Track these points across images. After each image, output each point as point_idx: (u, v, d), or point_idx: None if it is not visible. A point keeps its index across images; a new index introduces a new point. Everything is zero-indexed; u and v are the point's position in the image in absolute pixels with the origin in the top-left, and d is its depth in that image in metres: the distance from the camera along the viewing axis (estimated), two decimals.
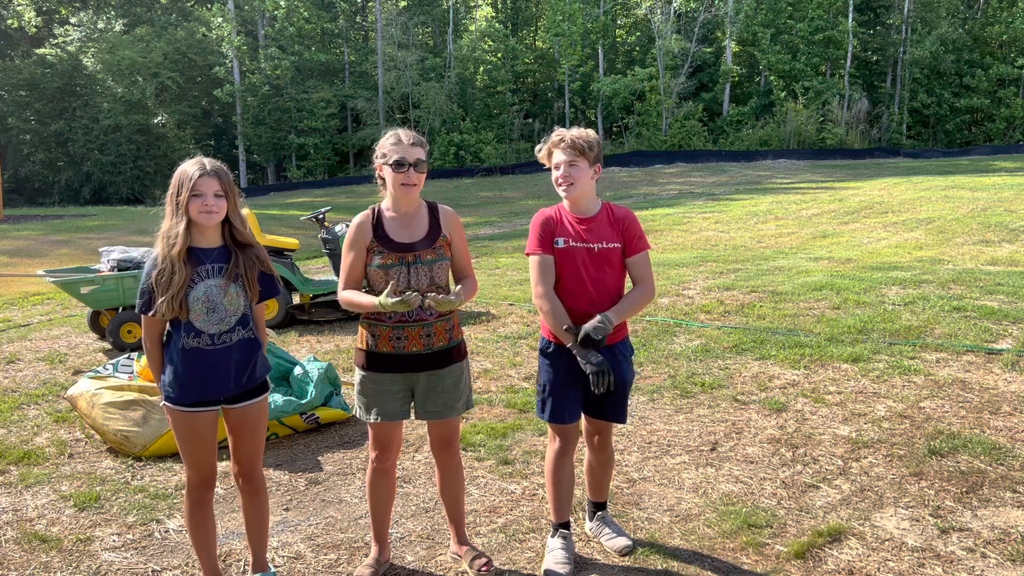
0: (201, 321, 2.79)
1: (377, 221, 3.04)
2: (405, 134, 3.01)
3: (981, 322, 6.20)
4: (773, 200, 17.48)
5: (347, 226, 8.15)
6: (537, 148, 3.24)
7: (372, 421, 3.09)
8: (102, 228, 16.86)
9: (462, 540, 3.33)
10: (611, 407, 3.25)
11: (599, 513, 3.50)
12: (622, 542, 3.35)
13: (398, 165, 2.95)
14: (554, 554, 3.24)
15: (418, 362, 3.04)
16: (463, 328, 3.34)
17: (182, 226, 2.74)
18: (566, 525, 3.32)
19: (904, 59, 36.47)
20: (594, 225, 3.16)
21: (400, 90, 36.04)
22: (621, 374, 3.18)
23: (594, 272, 3.13)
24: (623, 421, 3.29)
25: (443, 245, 3.06)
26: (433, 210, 3.11)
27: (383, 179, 3.04)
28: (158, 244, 2.79)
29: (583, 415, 3.30)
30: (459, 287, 3.05)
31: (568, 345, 3.07)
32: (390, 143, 2.99)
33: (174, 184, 2.77)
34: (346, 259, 3.06)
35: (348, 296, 3.03)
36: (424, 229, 3.06)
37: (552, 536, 3.32)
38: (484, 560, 3.20)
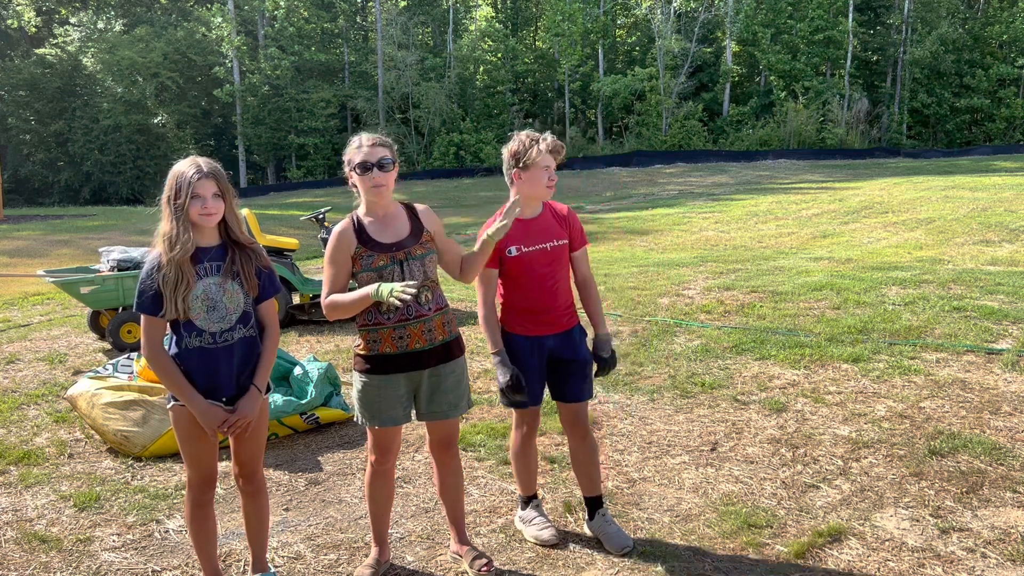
0: (202, 320, 2.78)
1: (359, 227, 3.03)
2: (367, 137, 3.01)
3: (981, 322, 6.20)
4: (773, 200, 17.48)
5: None
6: (522, 146, 3.29)
7: (376, 427, 3.09)
8: (102, 228, 16.86)
9: (462, 540, 3.33)
10: (574, 387, 3.39)
11: (599, 511, 3.49)
12: (622, 542, 3.36)
13: (363, 168, 2.95)
14: (535, 523, 3.45)
15: (421, 359, 3.05)
16: (460, 327, 3.38)
17: (186, 230, 2.73)
18: (535, 496, 3.54)
19: (904, 59, 36.47)
20: (541, 225, 3.33)
21: (400, 90, 36.04)
22: (581, 354, 3.39)
23: (549, 271, 3.31)
24: (589, 396, 3.44)
25: (428, 240, 3.09)
26: (410, 209, 3.14)
27: (355, 186, 3.04)
28: (158, 245, 2.77)
29: (557, 403, 3.47)
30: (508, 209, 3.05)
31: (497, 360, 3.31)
32: (353, 147, 3.00)
33: (171, 187, 2.73)
34: (329, 270, 3.02)
35: (336, 299, 2.98)
36: (407, 227, 3.08)
37: (523, 509, 3.52)
38: (484, 560, 3.20)
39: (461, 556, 3.28)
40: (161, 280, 2.73)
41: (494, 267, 3.30)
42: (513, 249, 3.26)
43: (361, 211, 3.07)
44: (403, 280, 2.99)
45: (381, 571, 3.24)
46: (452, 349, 3.14)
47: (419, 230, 3.08)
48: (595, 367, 3.43)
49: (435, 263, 3.12)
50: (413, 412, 3.18)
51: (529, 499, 3.54)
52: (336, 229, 3.04)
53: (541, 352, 3.36)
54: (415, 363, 3.05)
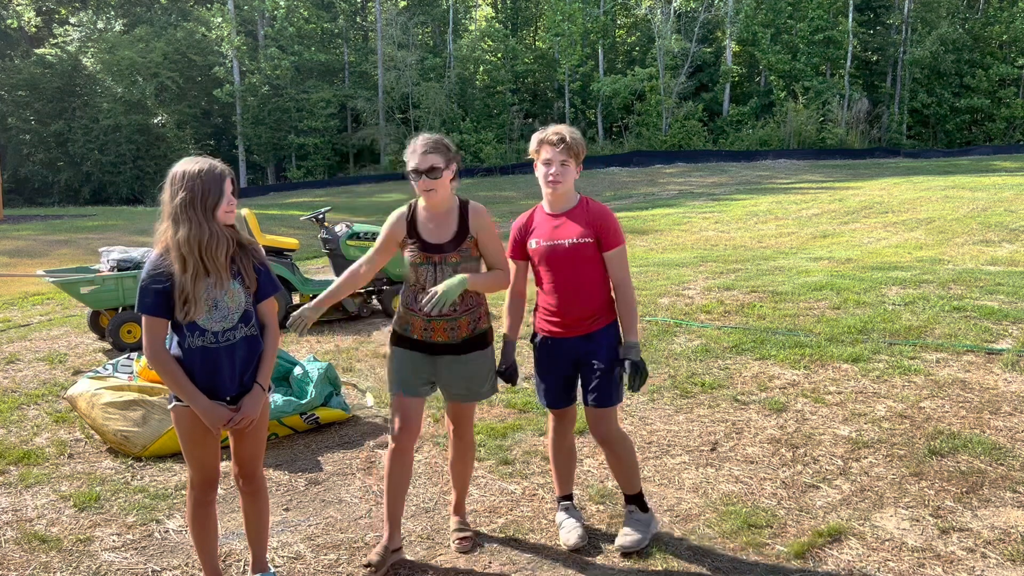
0: (204, 319, 2.78)
1: (412, 218, 3.21)
2: (422, 141, 3.13)
3: (981, 322, 6.20)
4: (773, 200, 17.48)
5: (347, 226, 8.18)
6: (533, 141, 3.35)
7: (394, 392, 3.25)
8: (102, 228, 16.85)
9: (458, 510, 3.54)
10: (586, 391, 3.30)
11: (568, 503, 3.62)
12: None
13: (414, 174, 3.11)
14: (563, 526, 3.45)
15: (443, 350, 3.24)
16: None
17: (221, 229, 2.74)
18: (567, 497, 3.55)
19: (904, 59, 36.48)
20: (567, 221, 3.26)
21: (400, 90, 36.03)
22: (600, 358, 3.27)
23: (569, 269, 3.23)
24: (607, 405, 3.28)
25: (470, 246, 3.19)
26: (463, 210, 3.21)
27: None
28: (160, 246, 2.75)
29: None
30: (441, 284, 3.12)
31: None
32: (409, 150, 3.14)
33: (193, 188, 2.69)
34: (376, 243, 3.29)
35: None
36: (452, 230, 3.18)
37: (558, 511, 3.54)
38: (466, 534, 3.41)
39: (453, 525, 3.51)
40: (187, 281, 2.70)
41: (520, 258, 3.35)
42: (533, 242, 3.30)
43: (421, 202, 3.23)
44: (433, 281, 3.14)
45: (389, 561, 3.24)
46: (475, 343, 3.27)
47: (463, 235, 3.18)
48: (625, 373, 3.23)
49: (472, 270, 3.19)
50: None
51: (561, 499, 3.55)
52: (395, 212, 3.25)
53: (560, 355, 3.32)
54: (435, 350, 3.24)
